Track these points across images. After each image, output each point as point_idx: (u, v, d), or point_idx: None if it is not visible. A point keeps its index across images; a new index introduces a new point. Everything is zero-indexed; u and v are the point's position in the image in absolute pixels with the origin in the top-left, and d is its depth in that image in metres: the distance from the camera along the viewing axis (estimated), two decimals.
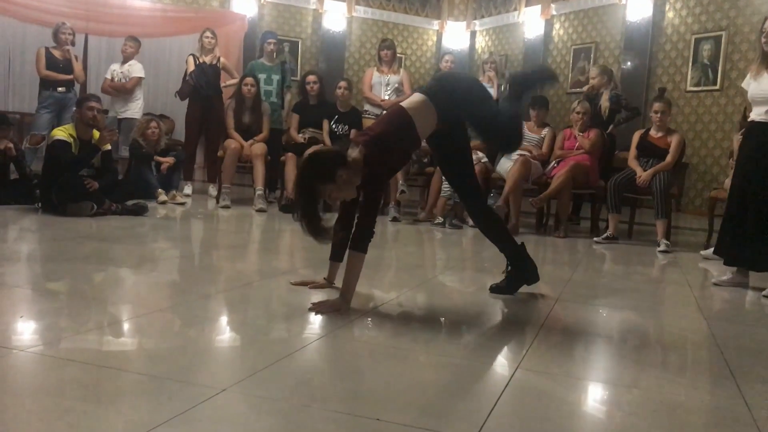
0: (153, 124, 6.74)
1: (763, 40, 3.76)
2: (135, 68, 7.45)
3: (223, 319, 2.67)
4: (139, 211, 5.35)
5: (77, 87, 7.51)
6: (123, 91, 7.36)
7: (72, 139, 5.33)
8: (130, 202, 5.42)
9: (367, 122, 6.96)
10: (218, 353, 2.22)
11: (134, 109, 7.44)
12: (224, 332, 2.48)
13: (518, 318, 3.02)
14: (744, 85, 4.00)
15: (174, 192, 6.43)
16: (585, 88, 6.96)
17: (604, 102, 6.49)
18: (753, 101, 3.86)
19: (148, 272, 3.50)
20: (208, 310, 2.74)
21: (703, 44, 9.36)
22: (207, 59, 7.08)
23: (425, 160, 6.72)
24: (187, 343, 2.25)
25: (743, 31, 8.84)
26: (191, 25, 9.66)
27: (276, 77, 7.29)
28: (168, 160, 6.57)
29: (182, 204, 6.32)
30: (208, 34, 7.15)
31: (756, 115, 3.84)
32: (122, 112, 7.40)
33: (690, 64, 9.49)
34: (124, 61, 7.39)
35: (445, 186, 6.03)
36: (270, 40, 7.40)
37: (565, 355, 2.42)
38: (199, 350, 2.18)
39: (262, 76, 7.21)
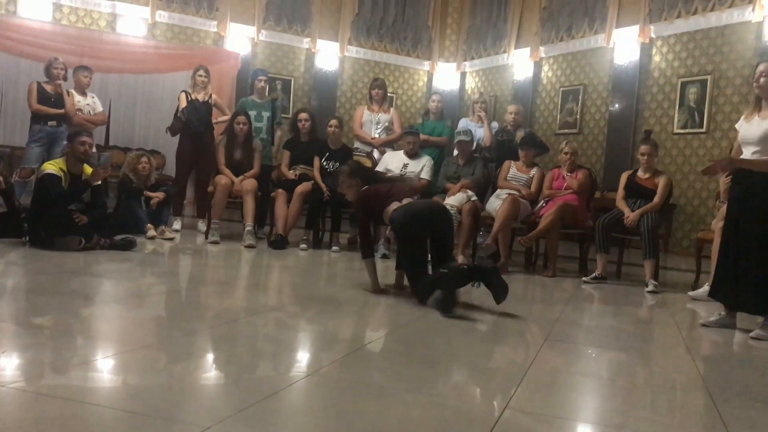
0: (144, 159, 6.75)
1: (755, 84, 3.82)
2: (98, 102, 7.48)
3: (209, 356, 2.64)
4: (128, 246, 5.32)
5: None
6: (92, 124, 7.31)
7: (62, 173, 5.32)
8: (118, 237, 5.39)
9: (358, 159, 7.01)
10: (203, 390, 2.19)
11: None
12: (209, 369, 2.46)
13: (507, 357, 3.01)
14: (737, 126, 4.05)
15: (163, 227, 6.41)
16: (504, 125, 7.31)
17: (518, 137, 6.84)
18: (743, 143, 3.91)
19: (135, 308, 3.47)
20: (193, 347, 2.71)
21: (689, 88, 9.52)
22: (199, 96, 7.13)
23: (415, 197, 6.72)
24: (171, 380, 2.22)
25: (728, 76, 9.00)
26: (185, 62, 9.75)
27: (266, 114, 7.34)
28: (158, 195, 6.56)
29: (171, 239, 6.30)
30: (201, 72, 7.20)
31: (745, 157, 3.88)
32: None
33: (677, 107, 9.64)
34: (80, 90, 7.33)
35: None
36: (260, 77, 7.46)
37: (553, 396, 2.41)
38: (183, 387, 2.16)
39: (252, 113, 7.25)
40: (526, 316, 4.02)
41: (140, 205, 6.53)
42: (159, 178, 7.44)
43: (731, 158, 3.97)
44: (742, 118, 3.97)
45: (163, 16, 11.19)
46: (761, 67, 3.83)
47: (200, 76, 7.17)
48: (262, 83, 7.40)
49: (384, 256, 6.13)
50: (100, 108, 7.52)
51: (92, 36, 10.13)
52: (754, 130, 3.80)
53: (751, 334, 3.70)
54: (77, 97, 7.25)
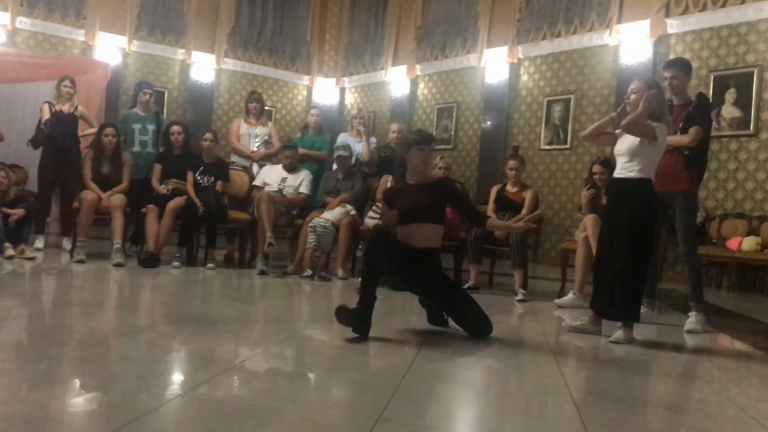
0: (1, 173, 6.33)
1: (626, 101, 4.08)
2: None
3: (75, 381, 2.50)
4: None
5: None
6: None
7: None
8: None
9: (234, 174, 6.90)
10: (69, 418, 2.07)
11: None
12: (76, 395, 2.33)
13: (382, 369, 3.04)
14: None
15: (23, 246, 6.02)
16: (388, 142, 7.49)
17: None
18: (616, 155, 4.15)
19: None
20: (58, 372, 2.56)
21: (554, 106, 10.08)
22: (64, 108, 6.78)
23: (294, 212, 6.71)
24: (33, 408, 2.09)
25: (589, 95, 9.62)
26: (49, 71, 9.21)
27: (151, 127, 7.11)
28: (17, 212, 6.16)
29: (32, 259, 5.93)
30: (66, 82, 6.86)
31: (615, 170, 4.13)
32: None
33: (543, 124, 10.18)
34: None
35: (311, 238, 6.04)
36: (146, 90, 7.24)
37: (428, 405, 2.46)
38: (48, 415, 2.03)
39: (136, 126, 7.02)
40: (402, 327, 4.10)
41: None
42: (19, 193, 7.00)
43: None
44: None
45: (24, 22, 10.58)
46: (632, 85, 4.09)
47: (65, 86, 6.84)
48: (147, 96, 7.19)
49: (262, 272, 6.05)
50: None
51: None
52: (623, 143, 4.04)
53: (610, 339, 3.94)
54: None
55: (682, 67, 4.70)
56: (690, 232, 4.65)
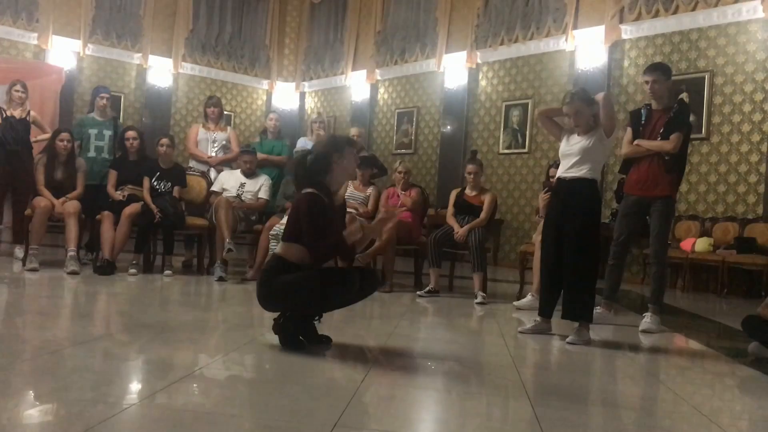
0: None
1: (568, 120, 4.12)
2: None
3: (28, 392, 2.44)
4: None
5: None
6: None
7: None
8: None
9: (192, 179, 6.82)
10: (22, 429, 2.02)
11: None
12: (29, 405, 2.27)
13: (342, 373, 3.04)
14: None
15: None
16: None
17: None
18: (562, 156, 4.21)
19: None
20: (9, 383, 2.49)
21: (512, 111, 10.21)
22: (16, 113, 6.62)
23: (253, 217, 6.66)
24: None
25: (546, 100, 9.75)
26: (0, 76, 9.00)
27: (108, 133, 6.96)
28: None
29: None
30: (18, 87, 6.69)
31: (561, 170, 4.19)
32: None
33: (502, 128, 10.29)
34: None
35: (273, 243, 5.99)
36: (103, 95, 7.08)
37: (389, 410, 2.46)
38: (1, 427, 1.98)
39: (93, 132, 6.87)
40: (362, 332, 4.09)
41: None
42: None
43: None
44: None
45: None
46: (567, 109, 4.09)
47: (17, 91, 6.67)
48: (104, 101, 7.04)
49: (221, 279, 5.98)
50: None
51: None
52: (575, 144, 4.09)
53: (567, 340, 3.99)
54: None
55: (663, 71, 4.75)
56: (663, 234, 4.73)
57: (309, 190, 3.27)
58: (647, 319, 4.62)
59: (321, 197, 3.26)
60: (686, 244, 7.90)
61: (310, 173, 3.36)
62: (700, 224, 8.09)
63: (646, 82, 4.71)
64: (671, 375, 3.50)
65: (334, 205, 3.37)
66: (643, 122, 4.74)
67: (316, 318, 3.40)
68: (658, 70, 4.76)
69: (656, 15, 8.72)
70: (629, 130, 4.80)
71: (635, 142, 4.69)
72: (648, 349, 4.21)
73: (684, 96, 7.69)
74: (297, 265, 3.25)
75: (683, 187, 8.33)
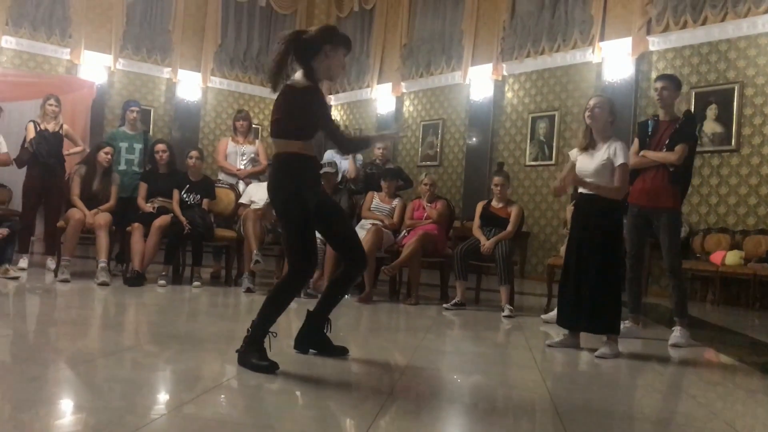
0: None
1: (587, 114, 4.16)
2: (2, 142, 6.82)
3: (60, 402, 2.48)
4: None
5: None
6: None
7: None
8: None
9: (220, 191, 6.89)
10: None
11: None
12: (60, 415, 2.31)
13: (369, 387, 3.04)
14: (571, 155, 4.38)
15: (6, 266, 5.97)
16: (373, 159, 7.57)
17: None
18: (581, 173, 4.22)
19: None
20: (42, 392, 2.54)
21: (539, 122, 10.17)
22: (49, 126, 6.76)
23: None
24: (17, 430, 2.07)
25: (573, 112, 9.71)
26: (34, 90, 9.17)
27: (138, 146, 7.09)
28: (1, 232, 6.11)
29: (15, 279, 5.88)
30: (51, 101, 6.84)
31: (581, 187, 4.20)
32: None
33: (528, 140, 10.25)
34: None
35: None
36: (133, 108, 7.24)
37: (417, 422, 2.46)
38: None
39: (123, 145, 7.00)
40: (389, 344, 4.09)
41: None
42: (3, 213, 6.95)
43: (576, 176, 4.22)
44: (576, 149, 4.32)
45: (10, 41, 10.57)
46: (593, 101, 4.19)
47: (50, 105, 6.82)
48: (135, 114, 7.20)
49: (248, 290, 6.02)
50: (4, 149, 6.84)
51: None
52: (589, 163, 4.12)
53: (596, 353, 3.96)
54: None
55: (674, 81, 4.79)
56: (675, 247, 4.70)
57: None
58: (676, 333, 4.57)
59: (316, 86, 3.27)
60: (716, 257, 7.78)
61: (302, 52, 3.27)
62: (731, 237, 7.97)
63: (656, 89, 4.74)
64: (702, 390, 3.45)
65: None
66: (650, 133, 4.74)
67: (327, 328, 3.43)
68: (669, 78, 4.81)
69: (684, 26, 8.64)
70: (636, 140, 4.81)
71: (641, 153, 4.68)
72: (678, 363, 4.15)
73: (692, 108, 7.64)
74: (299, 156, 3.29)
75: (712, 199, 8.23)
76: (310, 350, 3.47)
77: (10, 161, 6.86)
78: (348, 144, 3.88)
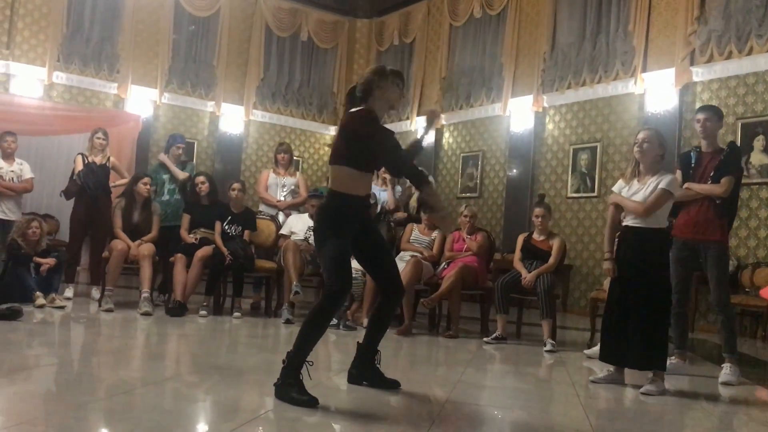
0: (34, 224, 6.44)
1: (636, 149, 4.12)
2: (26, 168, 7.14)
3: (103, 430, 2.50)
4: (14, 315, 5.02)
5: None
6: (15, 191, 7.02)
7: None
8: (3, 306, 5.08)
9: (261, 223, 6.96)
10: None
11: (19, 210, 7.14)
12: None
13: (409, 420, 3.00)
14: (615, 189, 4.32)
15: (53, 295, 6.09)
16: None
17: (413, 202, 7.34)
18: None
19: (21, 381, 3.26)
20: (85, 421, 2.57)
21: (580, 154, 10.06)
22: (97, 159, 6.94)
23: (318, 260, 6.72)
24: None
25: (615, 143, 9.59)
26: (82, 124, 9.47)
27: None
28: (48, 262, 6.25)
29: (62, 308, 5.99)
30: (99, 134, 7.04)
31: (627, 219, 4.15)
32: (11, 212, 7.00)
33: (569, 172, 10.15)
34: (5, 157, 7.05)
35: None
36: (179, 144, 7.47)
37: None
38: None
39: (166, 177, 7.21)
40: (428, 378, 4.05)
41: (29, 271, 6.20)
42: (51, 243, 7.11)
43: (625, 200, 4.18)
44: (620, 181, 4.27)
45: (60, 77, 10.92)
46: (642, 135, 4.14)
47: (98, 138, 7.02)
48: (180, 151, 7.41)
49: (288, 321, 6.03)
50: (28, 174, 7.12)
51: None
52: (636, 195, 4.07)
53: (641, 390, 3.86)
54: None
55: (716, 112, 4.74)
56: (723, 281, 4.58)
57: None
58: (726, 371, 4.42)
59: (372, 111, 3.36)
60: (766, 292, 7.53)
61: (358, 100, 3.45)
62: None
63: (698, 121, 4.66)
64: (753, 430, 3.31)
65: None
66: (692, 165, 4.65)
67: (377, 361, 3.45)
68: (711, 110, 4.76)
69: (729, 56, 8.51)
70: (678, 172, 4.69)
71: (685, 185, 4.59)
72: (728, 401, 4.01)
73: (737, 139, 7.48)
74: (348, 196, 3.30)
75: (761, 232, 8.01)
76: (363, 382, 3.50)
77: (32, 187, 7.09)
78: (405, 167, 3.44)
